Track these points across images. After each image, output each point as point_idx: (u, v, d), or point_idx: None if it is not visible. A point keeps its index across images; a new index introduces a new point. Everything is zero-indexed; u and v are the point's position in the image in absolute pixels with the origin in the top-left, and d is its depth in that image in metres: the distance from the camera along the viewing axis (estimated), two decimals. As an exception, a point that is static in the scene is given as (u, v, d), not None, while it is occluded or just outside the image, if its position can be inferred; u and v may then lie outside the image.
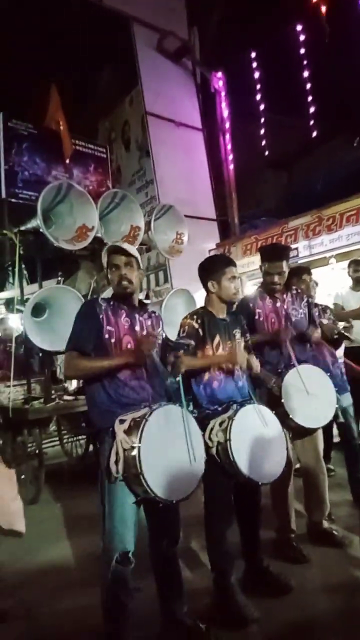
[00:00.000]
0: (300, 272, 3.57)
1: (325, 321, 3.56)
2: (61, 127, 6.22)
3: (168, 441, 2.02)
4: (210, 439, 2.33)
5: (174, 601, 2.18)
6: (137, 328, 2.21)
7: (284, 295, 3.05)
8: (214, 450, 2.33)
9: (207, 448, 2.33)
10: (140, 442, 1.90)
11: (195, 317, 2.53)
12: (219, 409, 2.43)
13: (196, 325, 2.49)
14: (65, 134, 6.23)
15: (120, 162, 9.38)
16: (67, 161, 6.09)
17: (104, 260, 2.27)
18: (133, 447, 1.91)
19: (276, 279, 2.97)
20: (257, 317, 2.97)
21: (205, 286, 2.63)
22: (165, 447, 2.00)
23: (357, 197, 5.92)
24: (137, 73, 8.44)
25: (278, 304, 3.01)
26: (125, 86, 9.17)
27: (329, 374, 3.03)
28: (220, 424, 2.33)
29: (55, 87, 6.44)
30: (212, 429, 2.34)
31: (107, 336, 2.11)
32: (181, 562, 2.63)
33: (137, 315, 2.25)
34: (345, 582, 2.50)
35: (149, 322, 2.29)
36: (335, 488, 3.62)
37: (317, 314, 3.46)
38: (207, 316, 2.56)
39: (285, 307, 3.01)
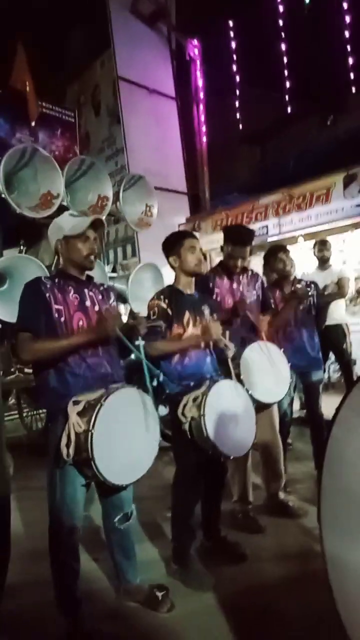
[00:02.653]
0: (277, 251, 3.54)
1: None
2: (27, 88, 5.89)
3: (122, 426, 1.96)
4: (183, 414, 2.34)
5: (128, 572, 2.22)
6: (88, 303, 2.11)
7: (241, 277, 3.06)
8: (186, 426, 2.33)
9: (180, 424, 2.34)
10: (93, 427, 1.83)
11: (162, 296, 2.49)
12: (192, 384, 2.43)
13: (164, 305, 2.46)
14: (31, 95, 5.90)
15: (89, 128, 9.03)
16: (33, 124, 5.79)
17: (67, 229, 2.14)
18: (86, 432, 1.85)
19: (239, 263, 2.97)
20: (214, 296, 2.95)
21: (169, 264, 2.60)
22: (119, 431, 1.95)
23: (328, 176, 5.93)
24: (109, 35, 8.06)
25: (234, 285, 3.02)
26: (96, 48, 8.75)
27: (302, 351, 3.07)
28: (194, 400, 2.33)
29: (23, 46, 6.08)
30: (185, 405, 2.35)
31: (56, 315, 1.99)
32: (141, 531, 2.68)
33: (86, 290, 2.14)
34: (299, 551, 2.59)
35: (100, 297, 2.19)
36: (293, 461, 3.74)
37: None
38: (175, 294, 2.53)
39: (240, 289, 3.02)
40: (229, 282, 3.02)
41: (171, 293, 2.53)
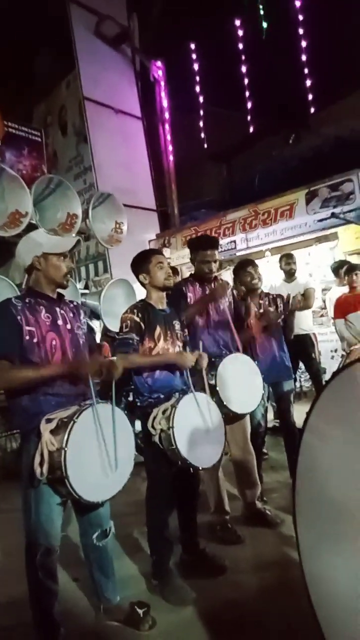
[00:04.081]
0: (245, 265, 3.64)
1: (272, 309, 3.62)
2: (-7, 108, 5.89)
3: (96, 442, 1.96)
4: (153, 427, 2.36)
5: (108, 590, 2.19)
6: (60, 322, 2.09)
7: (213, 284, 3.16)
8: (156, 438, 2.35)
9: (150, 436, 2.37)
10: (67, 445, 1.81)
11: (135, 310, 2.53)
12: (162, 396, 2.47)
13: (137, 319, 2.50)
14: (-3, 115, 5.91)
15: (56, 147, 9.05)
16: (-1, 143, 5.79)
17: (49, 246, 2.12)
18: (59, 450, 1.83)
19: (213, 266, 3.07)
20: (188, 300, 3.05)
21: (140, 281, 2.65)
22: (92, 449, 1.94)
23: (291, 193, 6.14)
24: (74, 56, 8.16)
25: (207, 292, 3.12)
26: (62, 69, 8.83)
27: (273, 361, 3.15)
28: (164, 412, 2.36)
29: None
30: (155, 417, 2.37)
31: (27, 337, 1.96)
32: (120, 548, 2.65)
33: (57, 309, 2.12)
34: (277, 560, 2.62)
35: (71, 314, 2.18)
36: (268, 470, 3.79)
37: (267, 303, 3.56)
38: (147, 308, 2.57)
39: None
40: (201, 289, 3.12)
41: (144, 307, 2.57)
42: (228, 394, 2.80)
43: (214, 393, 2.76)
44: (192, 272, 3.29)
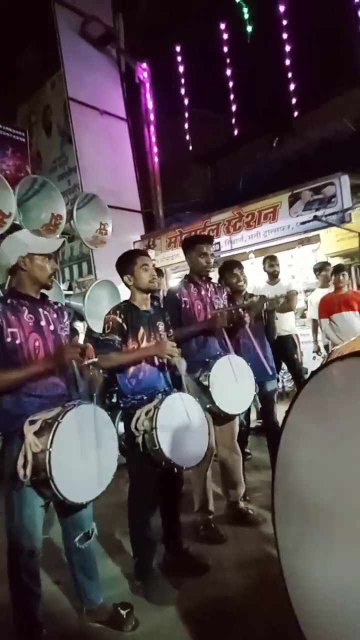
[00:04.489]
0: (232, 266, 3.68)
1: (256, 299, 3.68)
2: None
3: (80, 443, 1.96)
4: (136, 428, 2.37)
5: (91, 591, 2.20)
6: (43, 323, 2.08)
7: (207, 285, 3.18)
8: (139, 439, 2.36)
9: (133, 437, 2.38)
10: (51, 446, 1.82)
11: (118, 311, 2.54)
12: (145, 398, 2.48)
13: (120, 320, 2.50)
14: (-20, 114, 5.86)
15: (40, 148, 9.00)
16: (-18, 143, 5.73)
17: (36, 247, 2.12)
18: (43, 451, 1.83)
19: (211, 260, 3.10)
20: (183, 305, 3.05)
21: (124, 282, 2.65)
22: (76, 450, 1.95)
23: (274, 196, 6.22)
24: (59, 57, 8.13)
25: (202, 292, 3.13)
26: (47, 69, 8.80)
27: (257, 361, 3.18)
28: (147, 413, 2.37)
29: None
30: (138, 419, 2.38)
31: (9, 339, 1.96)
32: (103, 549, 2.66)
33: (40, 310, 2.11)
34: (260, 558, 2.65)
35: (55, 315, 2.17)
36: (251, 470, 3.83)
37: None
38: (131, 309, 2.58)
39: (209, 295, 3.14)
40: (196, 289, 3.13)
41: (127, 308, 2.58)
42: (220, 395, 2.84)
43: (207, 394, 2.81)
44: (187, 273, 3.27)
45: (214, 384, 2.83)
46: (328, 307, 4.95)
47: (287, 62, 9.01)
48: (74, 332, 2.43)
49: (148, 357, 2.53)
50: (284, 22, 8.81)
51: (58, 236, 4.38)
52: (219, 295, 3.23)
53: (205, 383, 2.82)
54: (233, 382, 2.91)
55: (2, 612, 2.01)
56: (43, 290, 2.21)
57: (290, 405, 1.51)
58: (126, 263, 2.62)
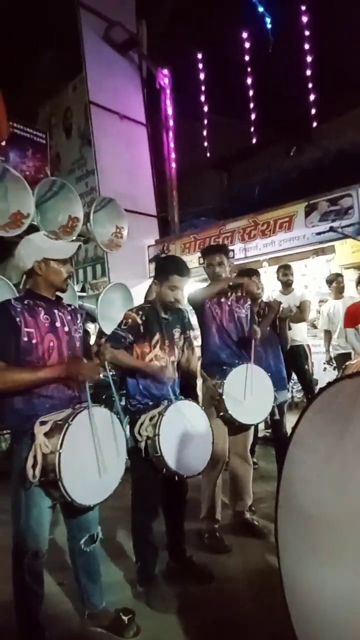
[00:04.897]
0: (250, 274, 3.72)
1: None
2: (-2, 107, 5.90)
3: (89, 446, 1.96)
4: (139, 433, 2.37)
5: (94, 595, 2.20)
6: (58, 324, 2.10)
7: (229, 294, 3.18)
8: (142, 445, 2.36)
9: (136, 442, 2.38)
10: (61, 447, 1.82)
11: (140, 312, 2.55)
12: (150, 403, 2.48)
13: (139, 321, 2.51)
14: (2, 115, 5.92)
15: (59, 149, 9.08)
16: (3, 143, 5.80)
17: (51, 251, 2.12)
18: (53, 452, 1.84)
19: (217, 269, 3.12)
20: (205, 306, 3.09)
21: (153, 282, 2.67)
22: (86, 451, 1.95)
23: (290, 205, 6.19)
24: (81, 60, 8.21)
25: (222, 299, 3.14)
26: (69, 72, 8.87)
27: (269, 372, 3.17)
28: (151, 419, 2.38)
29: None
30: (142, 424, 2.39)
31: (26, 339, 1.97)
32: (106, 554, 2.65)
33: (55, 311, 2.12)
34: (264, 569, 2.63)
35: (69, 317, 2.18)
36: (258, 480, 3.80)
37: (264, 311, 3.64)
38: (152, 313, 2.58)
39: (229, 302, 3.14)
40: (217, 296, 3.14)
41: (149, 311, 2.58)
42: (234, 404, 2.83)
43: (221, 402, 2.80)
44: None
45: (229, 393, 2.82)
46: (353, 317, 4.90)
47: (308, 72, 9.03)
48: (86, 333, 2.44)
49: (147, 373, 2.51)
50: (306, 33, 8.84)
51: (74, 238, 4.42)
52: (241, 304, 3.20)
53: (220, 390, 2.82)
54: (249, 392, 2.89)
55: (5, 612, 2.01)
56: (58, 293, 2.23)
57: (298, 419, 1.50)
58: (161, 271, 2.62)
